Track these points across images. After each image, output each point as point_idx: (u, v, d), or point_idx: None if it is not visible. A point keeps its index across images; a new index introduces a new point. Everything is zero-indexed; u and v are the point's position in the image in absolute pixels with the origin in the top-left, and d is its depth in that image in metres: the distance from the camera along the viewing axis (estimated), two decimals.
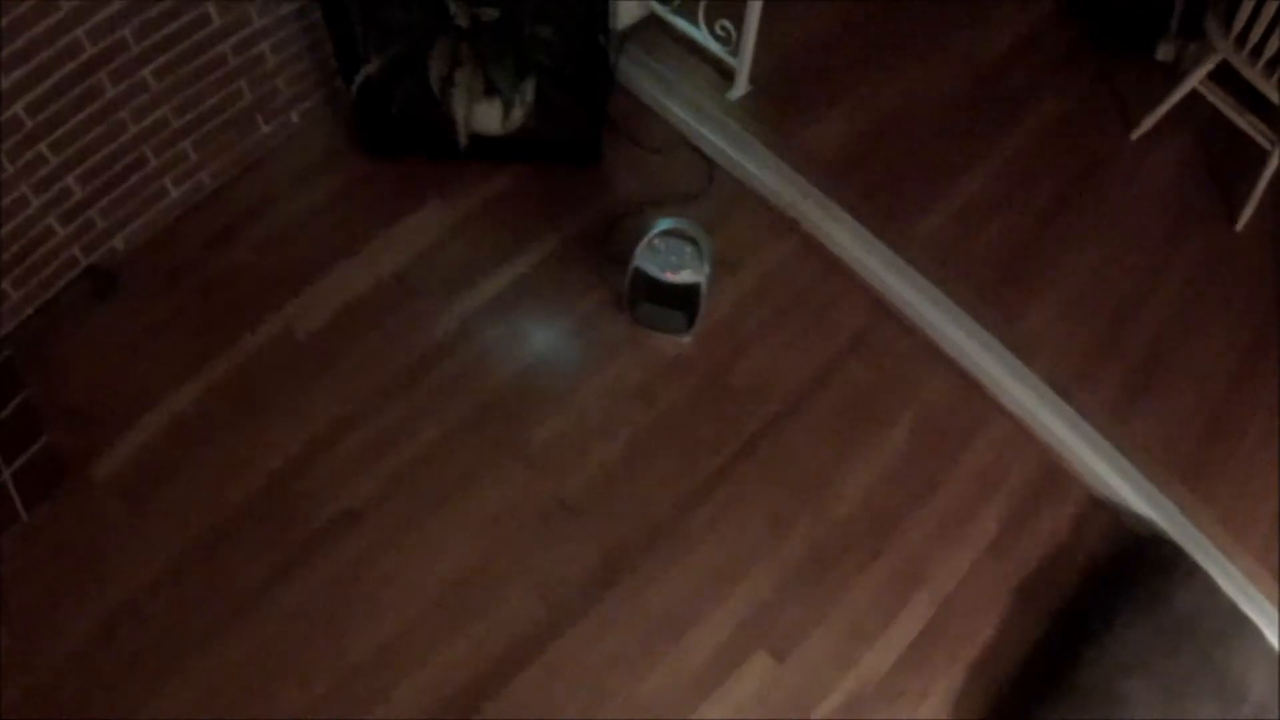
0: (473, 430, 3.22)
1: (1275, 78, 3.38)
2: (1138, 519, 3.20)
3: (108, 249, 3.42)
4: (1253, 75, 3.43)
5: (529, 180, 3.72)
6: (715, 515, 3.13)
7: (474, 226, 3.61)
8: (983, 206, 3.69)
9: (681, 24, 3.84)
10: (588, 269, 3.53)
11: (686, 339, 3.40)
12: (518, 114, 3.49)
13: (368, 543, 3.02)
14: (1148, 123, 3.84)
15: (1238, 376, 3.45)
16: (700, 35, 3.76)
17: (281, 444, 3.16)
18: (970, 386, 3.40)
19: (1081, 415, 3.26)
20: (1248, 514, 3.18)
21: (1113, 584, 3.06)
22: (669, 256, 3.16)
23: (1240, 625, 2.95)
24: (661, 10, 3.86)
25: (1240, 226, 3.72)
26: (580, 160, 3.75)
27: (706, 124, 3.77)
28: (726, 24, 3.63)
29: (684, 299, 3.26)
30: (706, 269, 3.17)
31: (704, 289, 3.21)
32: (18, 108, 2.88)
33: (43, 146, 3.01)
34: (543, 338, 3.42)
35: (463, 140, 3.39)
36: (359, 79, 3.38)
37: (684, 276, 3.16)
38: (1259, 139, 3.59)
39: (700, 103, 3.77)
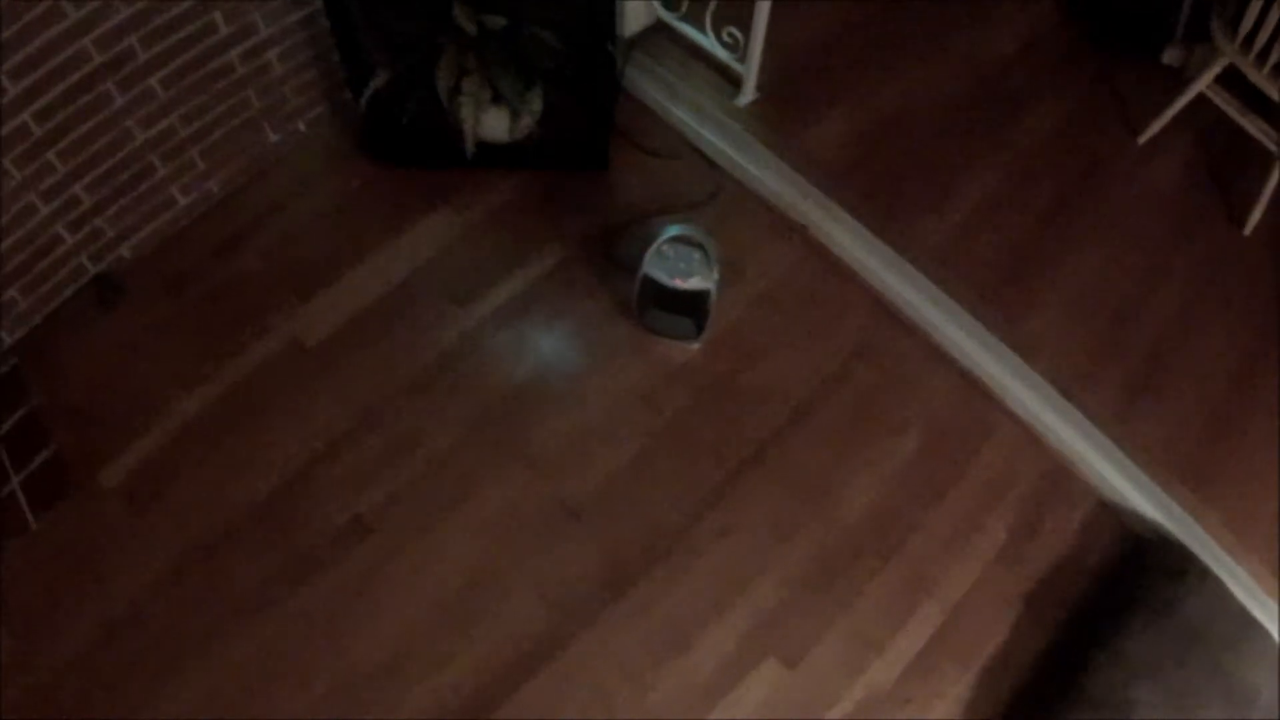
0: (480, 437, 3.23)
1: None
2: (1145, 523, 3.19)
3: (115, 257, 3.42)
4: (1259, 79, 3.42)
5: (536, 187, 3.72)
6: (723, 522, 3.13)
7: (481, 234, 3.61)
8: (986, 208, 3.68)
9: (688, 31, 3.83)
10: (595, 275, 3.53)
11: (695, 345, 3.40)
12: (525, 122, 3.49)
13: (374, 549, 3.02)
14: (1154, 127, 3.83)
15: (1239, 378, 3.43)
16: (707, 42, 3.76)
17: (288, 450, 3.16)
18: (976, 391, 3.40)
19: (1088, 419, 3.25)
20: (1250, 516, 3.17)
21: (1121, 590, 3.05)
22: (678, 263, 3.15)
23: (1249, 630, 2.94)
24: (668, 17, 3.85)
25: (1249, 231, 3.70)
26: (587, 167, 3.76)
27: (713, 130, 3.77)
28: (734, 31, 3.62)
29: (693, 305, 3.26)
30: (715, 275, 3.17)
31: (713, 295, 3.21)
32: (25, 116, 2.88)
33: (50, 155, 3.02)
34: (550, 344, 3.42)
35: (470, 148, 3.40)
36: (368, 92, 3.38)
37: (693, 283, 3.16)
38: (1265, 142, 3.58)
39: (707, 109, 3.77)
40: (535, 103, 3.46)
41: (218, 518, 3.05)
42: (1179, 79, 3.90)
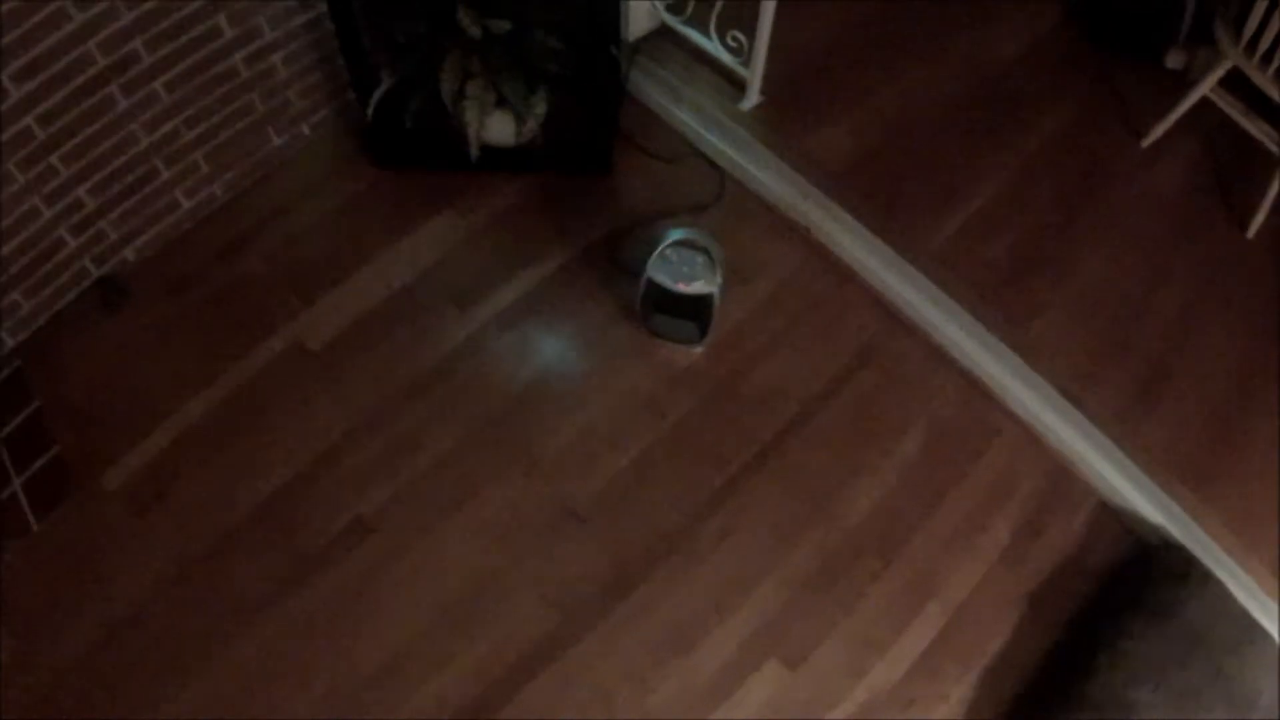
0: (483, 440, 3.23)
1: None
2: (1148, 525, 3.19)
3: (119, 260, 3.43)
4: (1263, 81, 3.41)
5: (540, 191, 3.73)
6: (726, 525, 3.13)
7: (485, 237, 3.62)
8: (989, 210, 3.68)
9: (693, 34, 3.84)
10: (598, 279, 3.53)
11: (699, 349, 3.40)
12: (530, 125, 3.49)
13: (377, 552, 3.03)
14: (1158, 130, 3.82)
15: (1241, 380, 3.42)
16: (711, 46, 3.76)
17: (291, 454, 3.17)
18: (980, 394, 3.39)
19: (1091, 421, 3.25)
20: (1252, 518, 3.16)
21: (1124, 592, 3.05)
22: (681, 267, 3.16)
23: (1251, 633, 2.94)
24: (673, 21, 3.86)
25: (1252, 233, 3.70)
26: (591, 171, 3.76)
27: (717, 133, 3.77)
28: (738, 35, 3.62)
29: (697, 309, 3.26)
30: (719, 279, 3.17)
31: (717, 299, 3.21)
32: (29, 120, 2.89)
33: (54, 158, 3.03)
34: (553, 348, 3.42)
35: (474, 152, 3.40)
36: (374, 99, 3.39)
37: (696, 287, 3.16)
38: (1269, 145, 3.58)
39: (711, 112, 3.77)
40: (539, 106, 3.47)
41: (220, 519, 3.05)
42: (1182, 82, 3.90)
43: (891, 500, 3.21)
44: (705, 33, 3.76)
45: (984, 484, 3.26)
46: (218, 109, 3.37)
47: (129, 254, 3.44)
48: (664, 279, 3.17)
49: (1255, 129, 3.62)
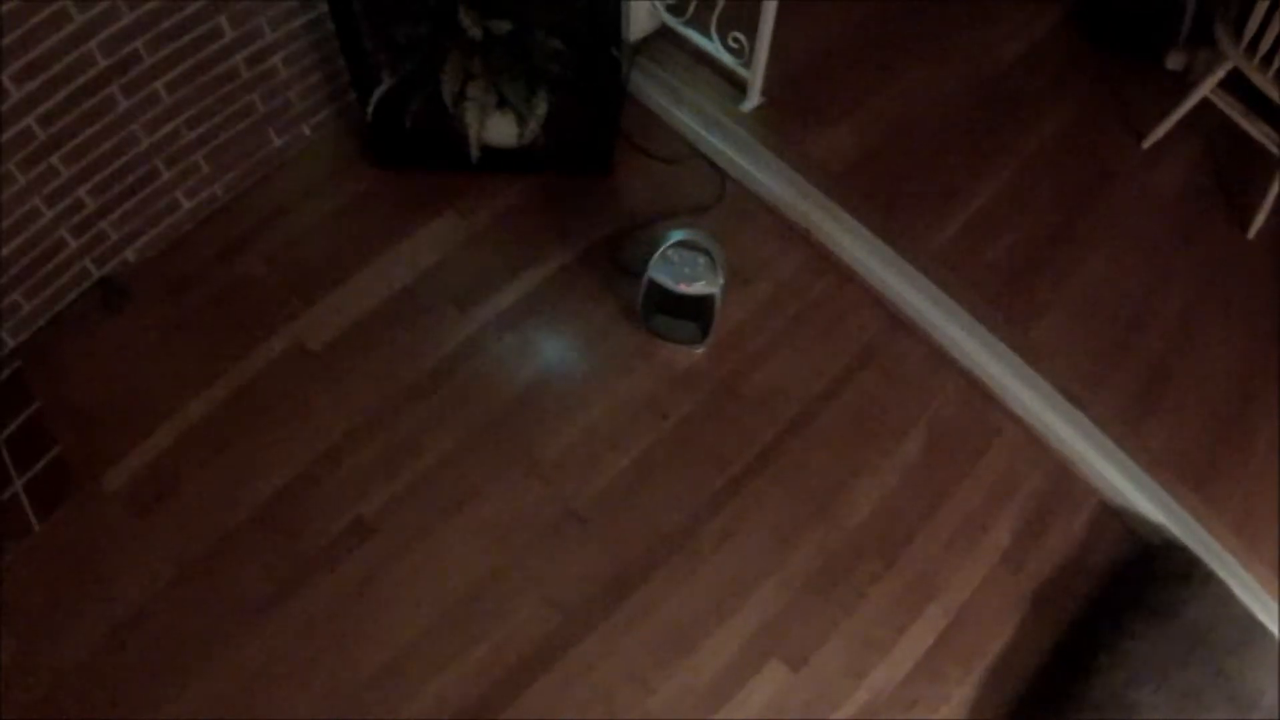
0: (484, 441, 3.23)
1: None
2: (1150, 526, 3.19)
3: (120, 261, 3.43)
4: (1264, 83, 3.41)
5: (540, 192, 3.73)
6: (727, 526, 3.13)
7: (486, 239, 3.62)
8: (992, 214, 3.68)
9: (693, 36, 3.84)
10: (599, 281, 3.53)
11: (700, 350, 3.40)
12: (531, 126, 3.49)
13: (378, 554, 3.02)
14: (1159, 131, 3.83)
15: (1244, 381, 3.43)
16: (712, 47, 3.76)
17: (292, 454, 3.17)
18: (981, 395, 3.39)
19: (1093, 422, 3.24)
20: (1254, 518, 3.16)
21: (1125, 592, 3.05)
22: (683, 268, 3.15)
23: (1253, 633, 2.93)
24: (673, 22, 3.86)
25: (1252, 234, 3.70)
26: (592, 171, 3.76)
27: (718, 134, 3.77)
28: (739, 36, 3.62)
29: (698, 310, 3.26)
30: (720, 280, 3.17)
31: (718, 300, 3.21)
32: (30, 120, 2.89)
33: (55, 159, 3.03)
34: (554, 349, 3.42)
35: (475, 153, 3.40)
36: (374, 98, 3.39)
37: (698, 288, 3.16)
38: (1270, 146, 3.58)
39: (712, 113, 3.77)
40: (540, 108, 3.46)
41: (220, 520, 3.05)
42: (1182, 83, 3.91)
43: (892, 501, 3.20)
44: (706, 34, 3.76)
45: (985, 484, 3.26)
46: (219, 110, 3.37)
47: (130, 255, 3.44)
48: (665, 280, 3.16)
49: (1256, 130, 3.62)
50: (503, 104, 3.39)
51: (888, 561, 3.10)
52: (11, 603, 2.89)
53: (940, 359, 3.45)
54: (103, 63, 2.96)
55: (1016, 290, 3.51)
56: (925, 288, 3.45)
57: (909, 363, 3.45)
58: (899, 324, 3.51)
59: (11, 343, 3.27)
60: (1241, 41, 3.41)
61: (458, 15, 3.18)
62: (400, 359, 3.35)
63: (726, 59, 3.74)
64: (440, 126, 3.48)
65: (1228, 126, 3.77)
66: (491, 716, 2.81)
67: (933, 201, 3.69)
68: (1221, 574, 3.04)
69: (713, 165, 3.79)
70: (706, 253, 3.16)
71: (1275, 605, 3.02)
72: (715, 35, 3.72)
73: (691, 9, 3.79)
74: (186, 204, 3.50)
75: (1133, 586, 3.06)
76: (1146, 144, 3.88)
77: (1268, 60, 3.36)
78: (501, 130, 3.53)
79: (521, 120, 3.47)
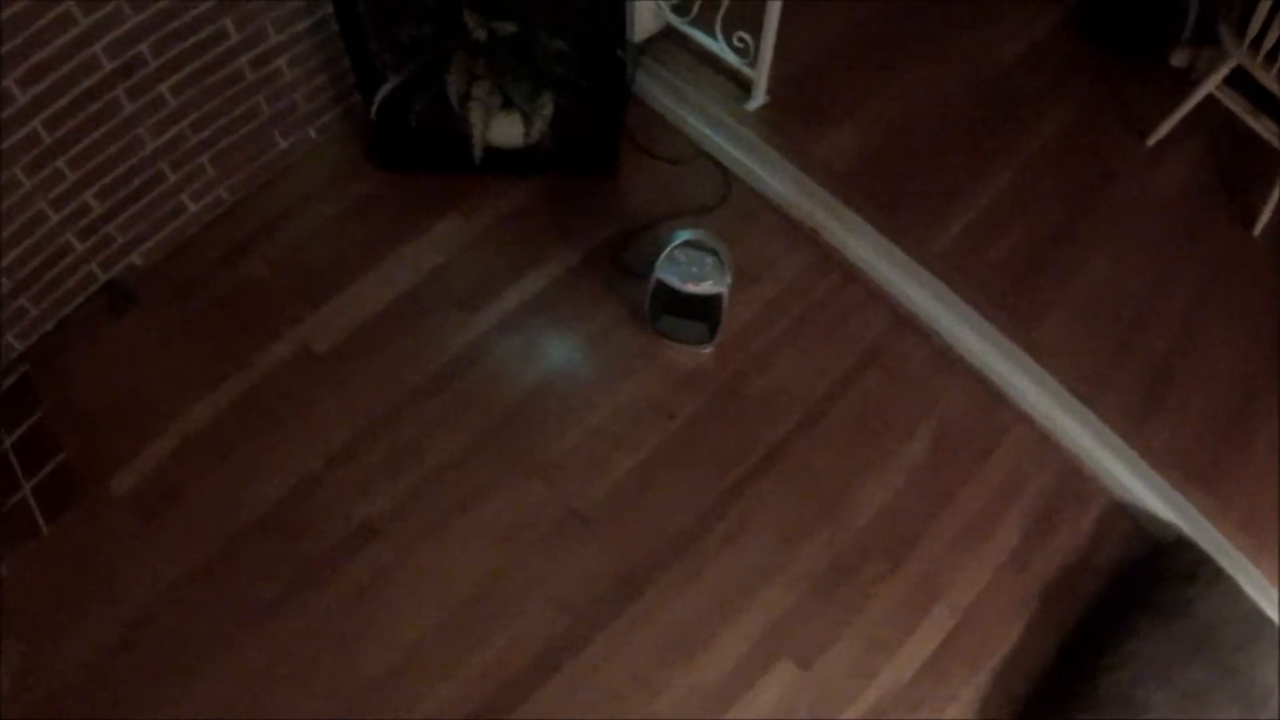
0: (489, 443, 3.23)
1: None
2: (1158, 523, 3.19)
3: (126, 264, 3.43)
4: (1268, 80, 3.42)
5: (545, 194, 3.73)
6: (733, 527, 3.12)
7: (491, 240, 3.62)
8: (994, 215, 3.68)
9: (698, 35, 3.84)
10: (604, 282, 3.53)
11: (708, 350, 3.40)
12: (536, 127, 3.49)
13: (383, 556, 3.02)
14: (1163, 128, 3.83)
15: (1250, 378, 3.43)
16: (717, 47, 3.76)
17: (298, 458, 3.17)
18: (988, 394, 3.39)
19: (1098, 417, 3.24)
20: (1262, 515, 3.16)
21: (1133, 591, 3.05)
22: (690, 268, 3.15)
23: (1262, 630, 2.93)
24: (678, 22, 3.86)
25: (1258, 231, 3.70)
26: (596, 172, 3.76)
27: (723, 135, 3.77)
28: (744, 35, 3.62)
29: (705, 310, 3.26)
30: (728, 279, 3.17)
31: (726, 300, 3.21)
32: (35, 123, 2.89)
33: (60, 162, 3.03)
34: (559, 351, 3.42)
35: (478, 153, 3.40)
36: (378, 98, 3.38)
37: (705, 287, 3.16)
38: (1274, 143, 3.58)
39: (717, 114, 3.77)
40: (546, 108, 3.46)
41: (225, 523, 3.05)
42: (1185, 81, 3.91)
43: (899, 501, 3.20)
44: (711, 33, 3.76)
45: (991, 484, 3.25)
46: (224, 112, 3.37)
47: (136, 258, 3.44)
48: (673, 279, 3.16)
49: (1260, 126, 3.62)
50: (508, 104, 3.39)
51: (894, 562, 3.10)
52: (18, 605, 2.89)
53: (946, 358, 3.45)
54: (108, 66, 2.96)
55: (1019, 291, 3.50)
56: (931, 286, 3.45)
57: (914, 362, 3.45)
58: (904, 323, 3.50)
59: (19, 347, 3.27)
60: (1245, 39, 3.41)
61: (462, 16, 3.18)
62: (405, 362, 3.35)
63: (731, 59, 3.74)
64: (445, 128, 3.48)
65: (1230, 125, 3.77)
66: (498, 718, 2.81)
67: (935, 202, 3.69)
68: (1230, 571, 3.03)
69: (717, 165, 3.79)
70: (714, 252, 3.16)
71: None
72: (720, 35, 3.72)
73: (696, 9, 3.79)
74: (192, 207, 3.50)
75: (1139, 585, 3.06)
76: (1151, 141, 3.88)
77: (1271, 57, 3.37)
78: (506, 131, 3.53)
79: (527, 120, 3.47)
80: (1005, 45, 4.18)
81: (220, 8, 3.11)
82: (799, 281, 3.57)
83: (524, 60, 3.34)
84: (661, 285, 3.19)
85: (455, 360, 3.37)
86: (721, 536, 3.10)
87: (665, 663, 2.91)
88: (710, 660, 2.93)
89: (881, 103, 3.90)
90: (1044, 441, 3.33)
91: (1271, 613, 2.98)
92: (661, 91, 3.89)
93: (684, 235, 3.18)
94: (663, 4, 3.83)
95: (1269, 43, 3.33)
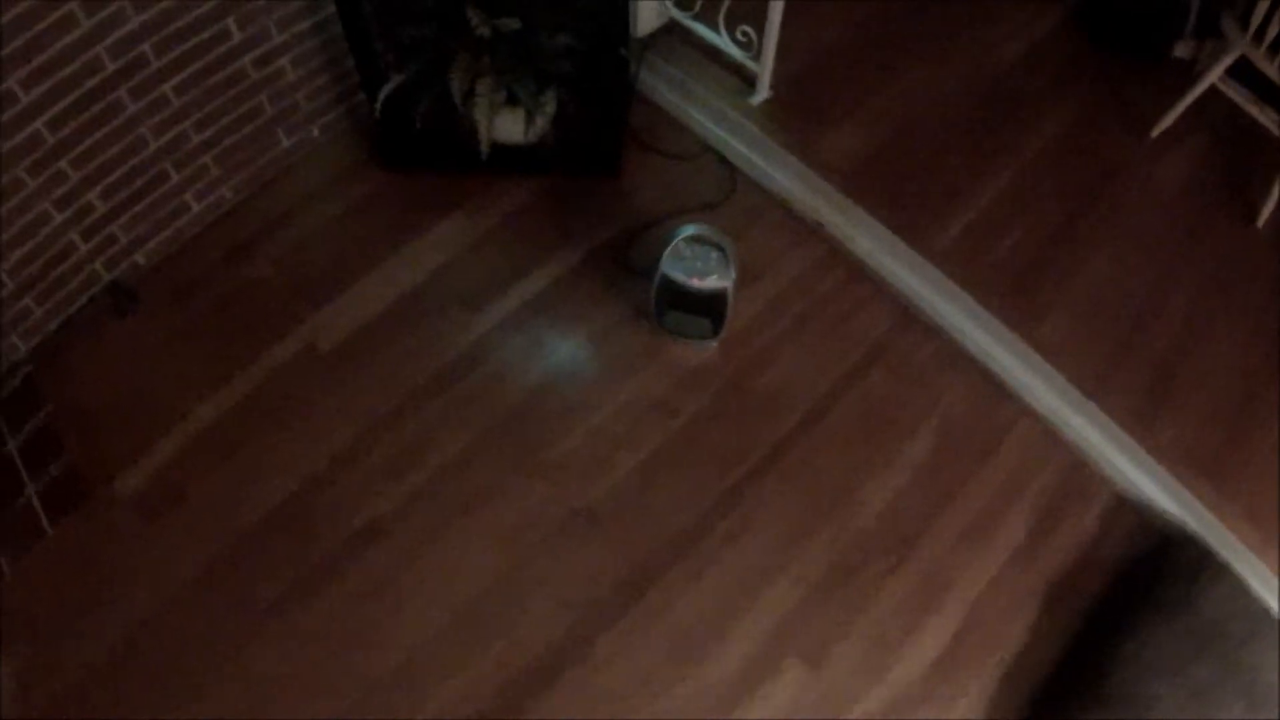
0: (494, 442, 3.22)
1: None
2: (1164, 518, 3.18)
3: (129, 264, 3.43)
4: (1271, 71, 3.42)
5: (549, 192, 3.73)
6: (737, 526, 3.12)
7: (494, 238, 3.61)
8: (995, 214, 3.68)
9: (702, 30, 3.84)
10: (608, 280, 3.53)
11: (713, 345, 3.39)
12: (540, 124, 3.48)
13: (390, 557, 3.02)
14: (1167, 120, 3.83)
15: (1255, 372, 3.42)
16: (721, 41, 3.76)
17: (303, 458, 3.16)
18: (993, 390, 3.39)
19: (1103, 413, 3.24)
20: (1269, 511, 3.15)
21: (1140, 586, 3.04)
22: (695, 263, 3.15)
23: (1268, 626, 2.93)
24: (681, 17, 3.85)
25: (1261, 223, 3.70)
26: (601, 170, 3.75)
27: (728, 130, 3.77)
28: (747, 29, 3.62)
29: (711, 305, 3.25)
30: (733, 275, 3.17)
31: (731, 295, 3.20)
32: (39, 124, 2.89)
33: (64, 163, 3.03)
34: (564, 349, 3.42)
35: (484, 150, 3.39)
36: (382, 95, 3.38)
37: (711, 283, 3.15)
38: (1276, 131, 3.58)
39: (721, 109, 3.77)
40: (549, 104, 3.46)
41: (231, 524, 3.05)
42: (1187, 75, 3.91)
43: (903, 498, 3.20)
44: (714, 28, 3.75)
45: (997, 480, 3.25)
46: (227, 112, 3.37)
47: (139, 258, 3.44)
48: (678, 275, 3.15)
49: (1264, 117, 3.63)
50: (511, 100, 3.39)
51: (899, 559, 3.10)
52: (22, 606, 2.89)
53: (950, 355, 3.44)
54: (111, 66, 2.96)
55: (1021, 290, 3.50)
56: (936, 282, 3.45)
57: (918, 359, 3.45)
58: (908, 320, 3.50)
59: (23, 347, 3.27)
60: (1249, 30, 3.41)
61: (465, 14, 3.18)
62: (408, 361, 3.35)
63: (735, 52, 3.74)
64: (448, 127, 3.48)
65: (1232, 120, 3.78)
66: (505, 718, 2.81)
67: (935, 201, 3.68)
68: (1236, 566, 3.03)
69: (722, 160, 3.79)
70: (719, 247, 3.16)
71: None
72: (723, 29, 3.72)
73: (699, 3, 3.79)
74: (195, 207, 3.50)
75: (1145, 582, 3.05)
76: (1155, 132, 3.88)
77: (1275, 48, 3.37)
78: (510, 127, 3.53)
79: (530, 115, 3.46)
80: (1005, 45, 4.17)
81: (223, 8, 3.11)
82: (803, 278, 3.57)
83: (527, 57, 3.34)
84: (667, 281, 3.18)
85: (458, 360, 3.36)
86: (725, 535, 3.10)
87: (671, 662, 2.91)
88: (716, 659, 2.92)
89: (882, 102, 3.90)
90: (1048, 438, 3.33)
91: (1276, 608, 2.98)
92: (665, 87, 3.88)
93: (689, 229, 3.17)
94: None
95: (1272, 33, 3.33)
